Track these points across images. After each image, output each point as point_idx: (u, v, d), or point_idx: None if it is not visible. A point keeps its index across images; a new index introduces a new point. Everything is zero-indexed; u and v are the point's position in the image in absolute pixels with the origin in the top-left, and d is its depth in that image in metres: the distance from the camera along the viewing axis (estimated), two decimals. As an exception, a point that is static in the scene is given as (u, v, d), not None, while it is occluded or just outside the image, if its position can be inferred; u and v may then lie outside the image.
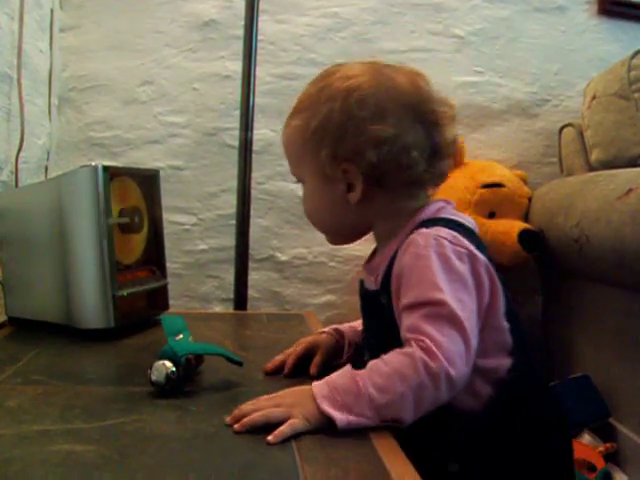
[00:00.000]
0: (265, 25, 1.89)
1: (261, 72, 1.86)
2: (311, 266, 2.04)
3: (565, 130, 2.05)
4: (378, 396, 0.76)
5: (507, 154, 2.13)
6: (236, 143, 1.79)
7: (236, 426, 0.77)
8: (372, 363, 0.80)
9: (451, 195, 1.89)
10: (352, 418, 0.76)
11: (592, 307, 1.70)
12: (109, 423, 0.80)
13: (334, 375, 0.80)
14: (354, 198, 0.93)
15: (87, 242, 1.23)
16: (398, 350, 0.80)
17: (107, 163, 1.28)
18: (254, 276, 1.94)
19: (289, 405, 0.78)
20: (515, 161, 2.13)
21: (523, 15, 2.14)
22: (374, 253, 1.02)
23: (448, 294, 0.81)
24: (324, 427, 0.76)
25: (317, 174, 0.95)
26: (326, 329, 1.10)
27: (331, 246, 1.87)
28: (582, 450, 1.50)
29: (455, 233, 0.87)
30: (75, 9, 1.92)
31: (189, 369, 0.94)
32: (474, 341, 0.81)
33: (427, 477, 0.69)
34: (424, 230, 0.88)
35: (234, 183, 1.78)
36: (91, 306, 1.24)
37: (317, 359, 1.02)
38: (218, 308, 2.00)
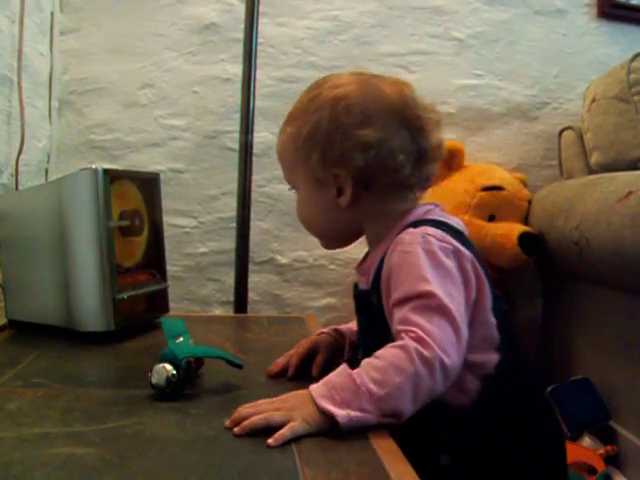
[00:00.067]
0: (265, 28, 1.90)
1: (261, 75, 1.87)
2: (311, 269, 2.04)
3: (565, 133, 2.05)
4: (376, 389, 0.77)
5: (507, 157, 2.13)
6: (236, 146, 1.79)
7: (236, 429, 0.77)
8: (366, 360, 0.81)
9: (451, 198, 1.89)
10: (353, 413, 0.76)
11: (592, 310, 1.70)
12: (109, 426, 0.79)
13: (331, 375, 0.81)
14: (344, 202, 0.97)
15: (87, 245, 1.23)
16: (390, 345, 0.82)
17: (107, 166, 1.28)
18: (254, 279, 1.94)
19: (289, 408, 0.78)
20: (515, 164, 2.13)
21: (523, 18, 2.14)
22: (366, 256, 1.04)
23: (436, 286, 0.83)
24: (325, 429, 0.76)
25: (309, 180, 0.99)
26: (326, 330, 1.12)
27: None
28: (582, 453, 1.50)
29: (441, 232, 0.90)
30: (75, 12, 1.92)
31: (189, 372, 0.94)
32: (464, 331, 0.83)
33: (419, 470, 0.70)
34: (411, 229, 0.91)
35: (234, 186, 1.78)
36: (91, 309, 1.24)
37: (319, 360, 1.03)
38: (218, 311, 2.00)
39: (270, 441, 0.73)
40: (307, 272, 2.04)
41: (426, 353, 0.78)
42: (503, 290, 1.94)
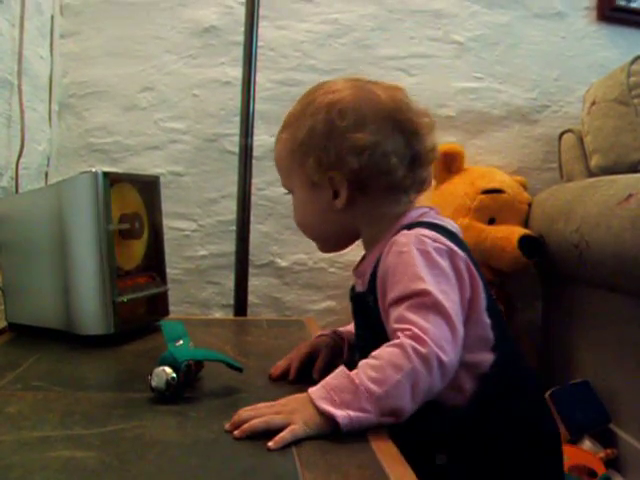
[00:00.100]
0: (265, 31, 1.90)
1: (261, 78, 1.87)
2: (311, 272, 2.04)
3: (565, 136, 2.05)
4: (375, 388, 0.77)
5: (507, 160, 2.13)
6: (236, 149, 1.79)
7: (236, 432, 0.77)
8: (363, 361, 0.81)
9: (451, 201, 1.90)
10: (353, 413, 0.76)
11: (592, 312, 1.70)
12: (109, 429, 0.79)
13: (329, 377, 0.81)
14: (340, 204, 0.98)
15: (87, 248, 1.23)
16: (386, 344, 0.82)
17: (107, 169, 1.28)
18: (254, 282, 1.94)
19: (289, 412, 0.78)
20: (515, 167, 2.13)
21: (523, 21, 2.14)
22: (363, 259, 1.06)
23: (431, 285, 0.85)
24: (325, 432, 0.76)
25: (305, 184, 1.01)
26: (325, 332, 1.14)
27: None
28: (583, 456, 1.50)
29: (436, 233, 0.91)
30: (75, 15, 1.93)
31: (189, 375, 0.94)
32: (460, 329, 0.84)
33: (415, 470, 0.71)
34: (405, 231, 0.92)
35: (234, 189, 1.78)
36: (91, 312, 1.23)
37: (319, 362, 1.04)
38: (218, 314, 2.00)
39: (270, 444, 0.73)
40: (307, 275, 2.04)
41: (422, 350, 0.79)
42: (503, 293, 1.94)
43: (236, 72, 1.86)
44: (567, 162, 2.02)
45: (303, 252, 2.02)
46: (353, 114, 0.95)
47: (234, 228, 1.78)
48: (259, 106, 1.81)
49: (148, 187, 1.42)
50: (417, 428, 0.82)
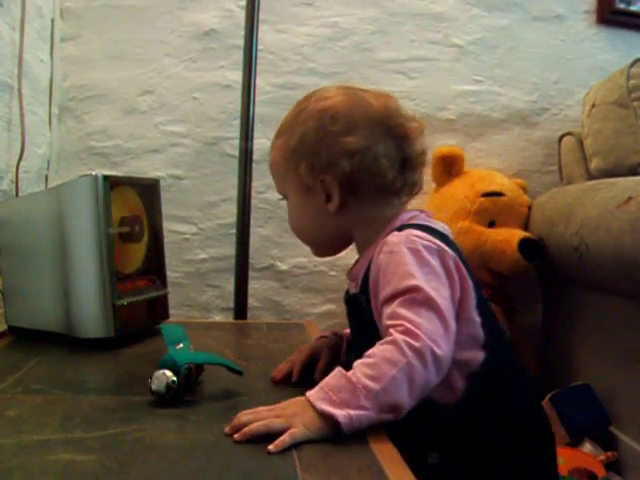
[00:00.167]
0: (265, 35, 1.90)
1: (261, 82, 1.87)
2: (311, 275, 2.04)
3: (565, 139, 2.05)
4: (372, 384, 0.78)
5: (507, 163, 2.13)
6: (236, 152, 1.79)
7: (236, 436, 0.77)
8: (358, 361, 0.82)
9: (451, 204, 1.90)
10: (352, 412, 0.77)
11: (592, 315, 1.70)
12: (109, 432, 0.79)
13: (326, 379, 0.82)
14: (333, 207, 1.00)
15: (87, 251, 1.23)
16: (380, 342, 0.83)
17: (107, 172, 1.28)
18: (254, 285, 1.94)
19: (289, 415, 0.78)
20: (515, 170, 2.13)
21: (522, 24, 2.14)
22: (356, 262, 1.06)
23: (422, 281, 0.86)
24: (326, 435, 0.76)
25: (299, 188, 1.03)
26: (325, 333, 1.15)
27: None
28: (583, 459, 1.50)
29: (426, 233, 0.93)
30: (76, 19, 1.93)
31: (189, 378, 0.94)
32: (452, 324, 0.85)
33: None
34: (396, 232, 0.94)
35: (234, 192, 1.78)
36: (91, 315, 1.24)
37: (321, 364, 1.05)
38: (218, 317, 2.00)
39: (270, 447, 0.73)
40: (307, 278, 2.04)
41: (416, 344, 0.80)
42: (503, 296, 1.94)
43: (236, 75, 1.86)
44: (567, 165, 2.02)
45: (303, 255, 2.02)
46: (345, 119, 0.98)
47: (234, 231, 1.79)
48: (259, 109, 1.81)
49: (148, 190, 1.42)
50: (409, 427, 0.83)
